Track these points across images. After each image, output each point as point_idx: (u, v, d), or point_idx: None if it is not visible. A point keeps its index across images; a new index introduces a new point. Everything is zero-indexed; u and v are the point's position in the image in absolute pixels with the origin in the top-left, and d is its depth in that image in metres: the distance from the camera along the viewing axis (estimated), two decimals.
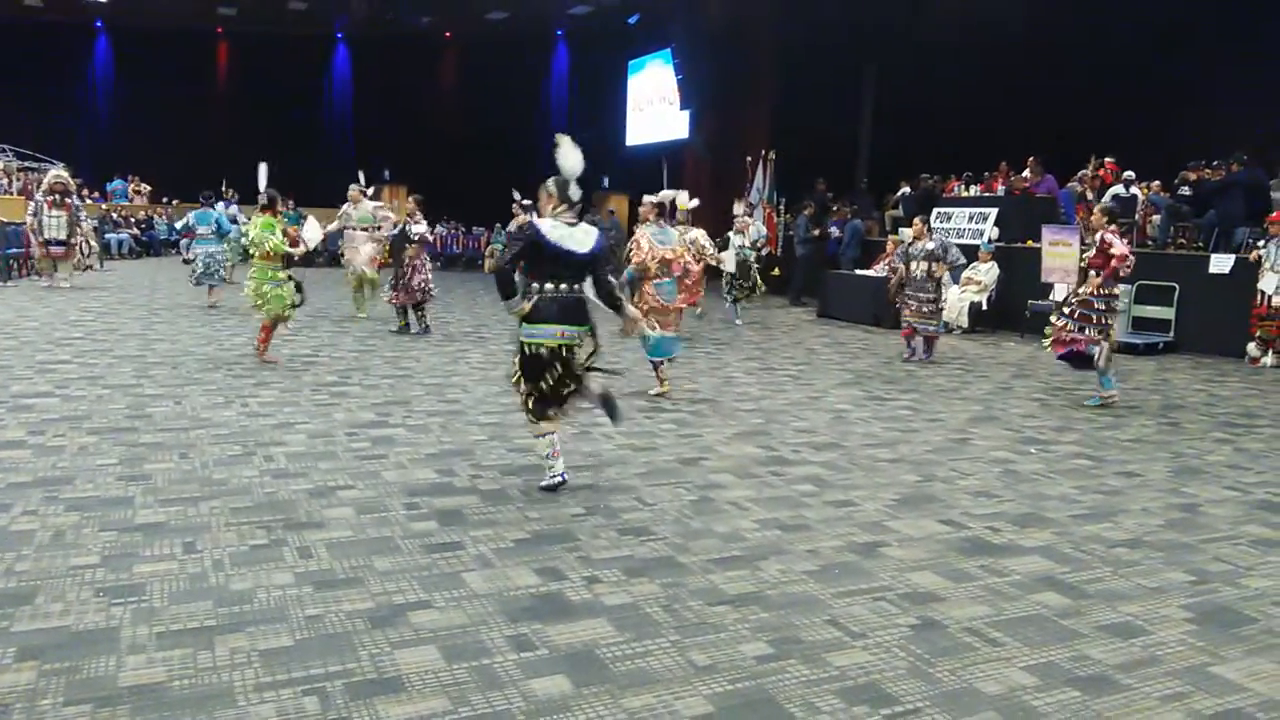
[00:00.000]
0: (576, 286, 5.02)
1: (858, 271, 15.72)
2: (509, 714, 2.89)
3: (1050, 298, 12.87)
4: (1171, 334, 12.21)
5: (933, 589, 3.97)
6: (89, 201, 23.60)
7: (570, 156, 5.02)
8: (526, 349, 5.01)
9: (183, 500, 4.75)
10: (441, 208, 21.64)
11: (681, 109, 24.05)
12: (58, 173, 15.73)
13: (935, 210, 16.15)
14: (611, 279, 5.20)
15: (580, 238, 5.00)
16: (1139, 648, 3.49)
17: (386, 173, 29.36)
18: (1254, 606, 3.92)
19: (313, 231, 10.14)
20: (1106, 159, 15.03)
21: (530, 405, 5.08)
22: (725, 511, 4.92)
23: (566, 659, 3.24)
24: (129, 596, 3.60)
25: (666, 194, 8.56)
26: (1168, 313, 12.34)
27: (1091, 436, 7.01)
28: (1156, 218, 13.80)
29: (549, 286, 4.95)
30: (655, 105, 26.18)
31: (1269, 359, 10.87)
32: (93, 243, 16.17)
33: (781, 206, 18.66)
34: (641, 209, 8.52)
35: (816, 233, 17.69)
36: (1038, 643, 3.50)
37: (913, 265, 10.66)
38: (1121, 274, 8.02)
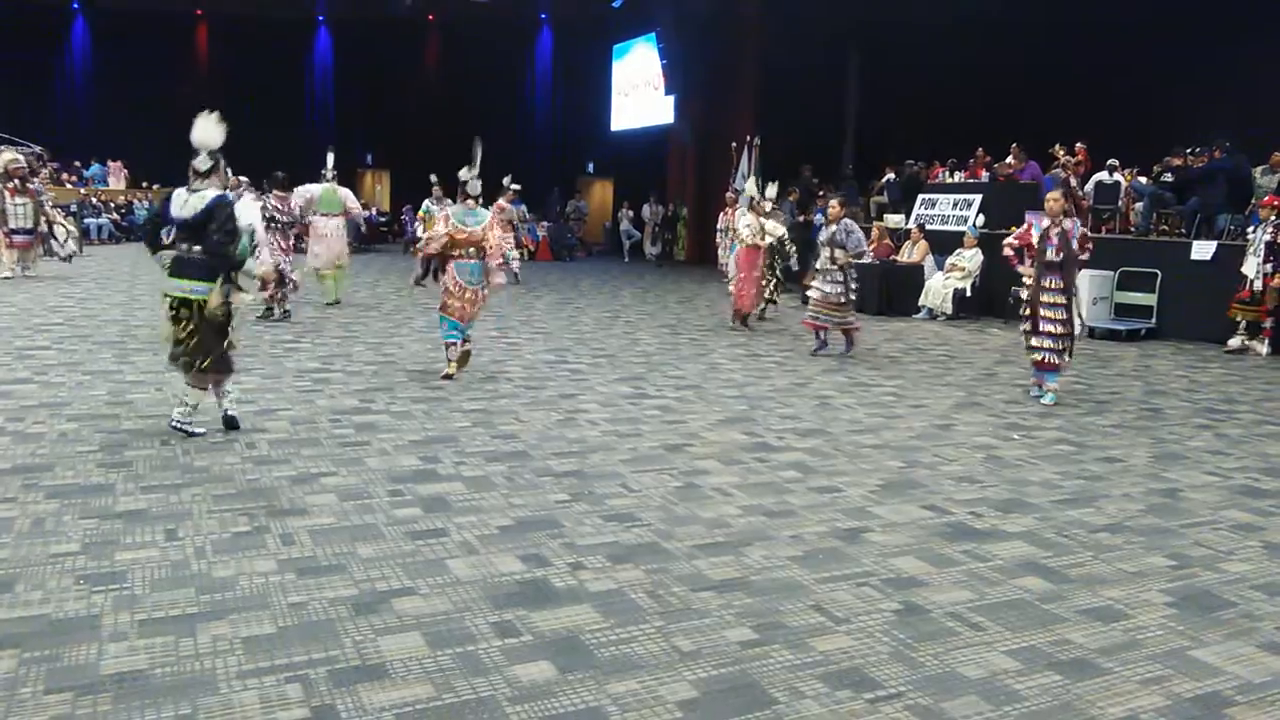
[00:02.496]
0: (197, 248, 5.54)
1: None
2: (493, 700, 2.89)
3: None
4: (1153, 320, 12.28)
5: (916, 574, 3.99)
6: (68, 186, 23.35)
7: (200, 130, 5.58)
8: (163, 299, 5.65)
9: (164, 487, 4.72)
10: (424, 192, 21.49)
11: (666, 94, 23.96)
12: (13, 155, 14.69)
13: (920, 196, 16.18)
14: (220, 239, 5.51)
15: (194, 204, 5.52)
16: (1120, 632, 3.52)
17: (369, 157, 29.20)
18: (1233, 590, 3.96)
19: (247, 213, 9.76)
20: (1078, 145, 15.04)
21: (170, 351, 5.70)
22: (710, 498, 4.93)
23: (551, 645, 3.24)
24: (110, 584, 3.58)
25: (464, 174, 7.78)
26: (1150, 299, 12.40)
27: (1073, 422, 7.05)
28: (1139, 204, 13.85)
29: (182, 246, 5.58)
30: (640, 90, 26.07)
31: (1260, 345, 10.84)
32: (69, 227, 15.17)
33: (765, 193, 18.62)
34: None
35: (801, 219, 17.69)
36: (1019, 627, 3.52)
37: (821, 252, 9.91)
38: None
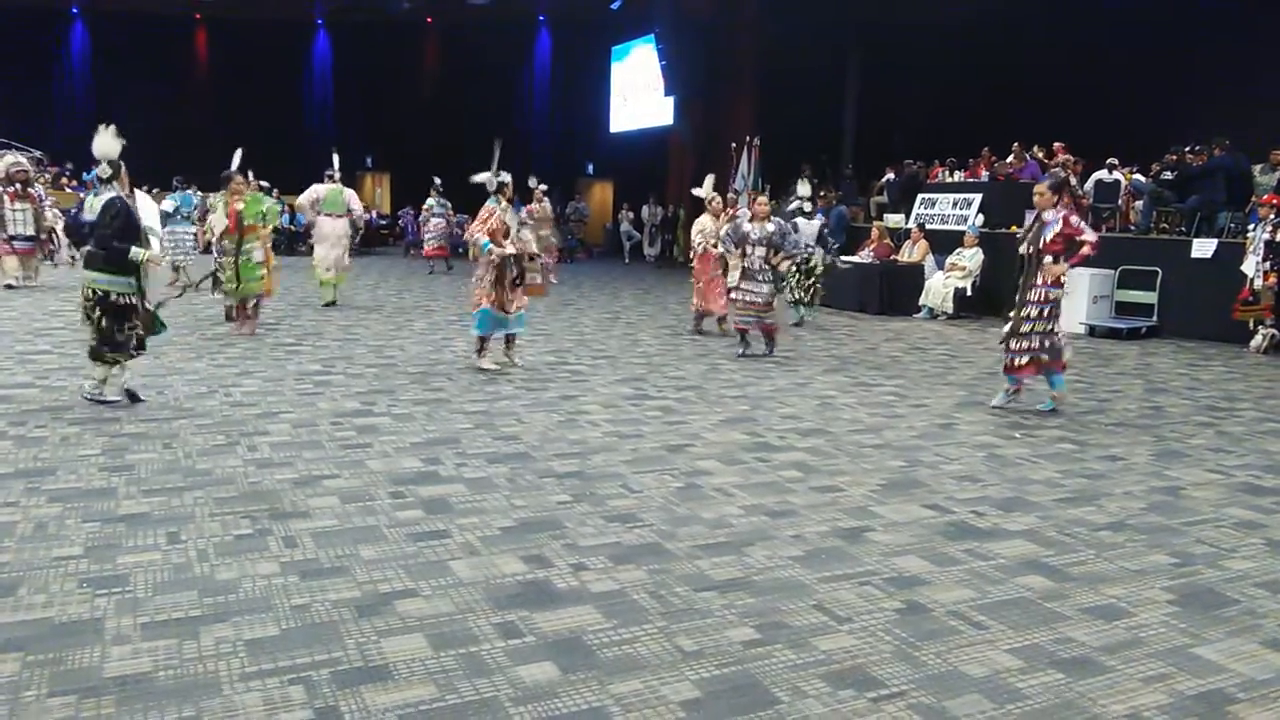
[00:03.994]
0: (102, 246, 6.33)
1: (843, 258, 15.74)
2: (496, 701, 2.89)
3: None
4: (1154, 318, 12.29)
5: (918, 573, 3.99)
6: (68, 190, 23.34)
7: (100, 143, 6.41)
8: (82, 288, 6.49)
9: (166, 490, 4.73)
10: (423, 194, 21.51)
11: (665, 95, 23.97)
12: (15, 159, 14.14)
13: (920, 196, 16.19)
14: (108, 235, 6.27)
15: (94, 206, 6.39)
16: (1122, 629, 3.52)
17: (368, 159, 29.19)
18: (1235, 588, 3.96)
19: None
20: (1056, 144, 15.02)
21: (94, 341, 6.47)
22: (711, 498, 4.93)
23: (554, 646, 3.24)
24: (113, 587, 3.58)
25: (483, 177, 8.28)
26: (1150, 297, 12.41)
27: (1075, 421, 7.05)
28: (1139, 203, 13.86)
29: (91, 243, 6.40)
30: (640, 91, 26.08)
31: (1262, 340, 10.83)
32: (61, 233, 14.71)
33: (767, 193, 18.63)
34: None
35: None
36: (1022, 625, 3.52)
37: (749, 250, 9.28)
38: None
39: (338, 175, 12.72)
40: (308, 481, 4.96)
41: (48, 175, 21.31)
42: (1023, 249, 7.13)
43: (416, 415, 6.55)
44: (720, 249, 10.01)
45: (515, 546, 4.14)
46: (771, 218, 9.51)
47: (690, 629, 3.40)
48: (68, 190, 23.36)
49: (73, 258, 14.16)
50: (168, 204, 14.12)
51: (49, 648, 3.11)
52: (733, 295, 9.52)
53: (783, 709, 2.90)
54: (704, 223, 11.19)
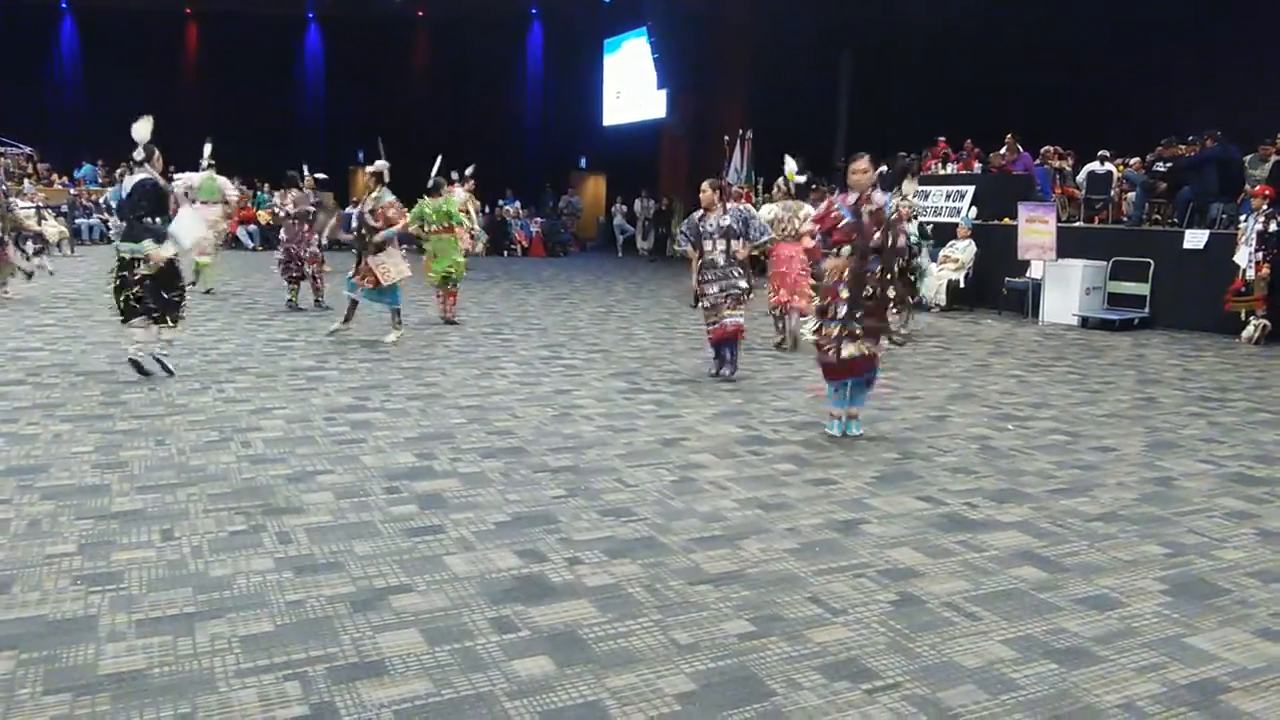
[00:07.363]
0: (137, 218, 7.16)
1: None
2: (492, 695, 2.89)
3: (1028, 275, 12.99)
4: (1146, 309, 12.32)
5: (912, 565, 4.00)
6: (59, 186, 23.21)
7: (139, 129, 7.17)
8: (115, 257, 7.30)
9: (160, 487, 4.72)
10: (414, 189, 21.46)
11: (658, 88, 23.94)
12: None
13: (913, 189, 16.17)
14: (138, 212, 7.10)
15: (126, 185, 7.30)
16: (1115, 620, 3.54)
17: (360, 154, 29.11)
18: (1227, 577, 3.97)
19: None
20: (939, 138, 15.00)
21: (121, 307, 7.23)
22: (706, 491, 4.93)
23: (549, 640, 3.25)
24: (107, 584, 3.57)
25: (381, 164, 9.70)
26: (1143, 288, 12.44)
27: (1068, 412, 7.07)
28: (1131, 194, 13.89)
29: (129, 217, 7.19)
30: (632, 84, 26.04)
31: (1254, 331, 10.86)
32: (55, 229, 12.95)
33: (759, 186, 18.64)
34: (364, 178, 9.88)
35: None
36: (1015, 616, 3.54)
37: (707, 245, 7.96)
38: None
39: (208, 164, 12.82)
40: (302, 477, 4.95)
41: (29, 171, 21.15)
42: (876, 240, 5.81)
43: (410, 410, 6.54)
44: (680, 248, 8.66)
45: (510, 541, 4.14)
46: (727, 207, 8.14)
47: (685, 622, 3.41)
48: (58, 186, 23.27)
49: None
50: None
51: (43, 645, 3.11)
52: (706, 301, 8.04)
53: (778, 701, 2.91)
54: (774, 210, 10.13)
